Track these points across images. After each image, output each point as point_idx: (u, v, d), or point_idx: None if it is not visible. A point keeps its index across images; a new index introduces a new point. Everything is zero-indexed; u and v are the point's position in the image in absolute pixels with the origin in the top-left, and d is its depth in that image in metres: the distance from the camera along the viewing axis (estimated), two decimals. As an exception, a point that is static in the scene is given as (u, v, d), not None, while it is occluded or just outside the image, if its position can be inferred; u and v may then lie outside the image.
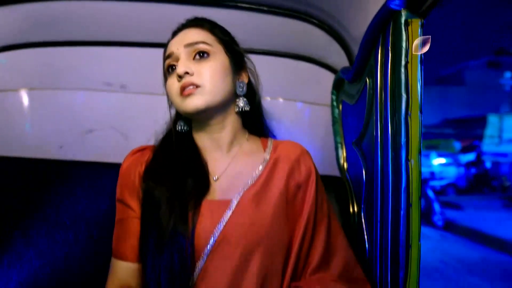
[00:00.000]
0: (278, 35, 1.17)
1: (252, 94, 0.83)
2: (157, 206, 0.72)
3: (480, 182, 7.29)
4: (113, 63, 1.24)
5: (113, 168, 0.83)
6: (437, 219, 5.09)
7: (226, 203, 0.73)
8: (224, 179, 0.76)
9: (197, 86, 0.72)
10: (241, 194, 0.73)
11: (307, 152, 0.81)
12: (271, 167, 0.77)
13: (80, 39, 1.20)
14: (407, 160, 0.65)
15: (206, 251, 0.70)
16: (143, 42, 1.19)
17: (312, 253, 0.75)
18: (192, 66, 0.73)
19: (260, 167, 0.77)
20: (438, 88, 13.21)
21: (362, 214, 0.89)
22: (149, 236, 0.72)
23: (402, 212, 0.66)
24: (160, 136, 0.82)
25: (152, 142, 0.84)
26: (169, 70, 0.77)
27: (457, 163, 7.38)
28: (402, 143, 0.66)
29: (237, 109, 0.78)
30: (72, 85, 1.25)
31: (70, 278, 1.05)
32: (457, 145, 8.16)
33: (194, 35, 0.76)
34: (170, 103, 0.80)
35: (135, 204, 0.76)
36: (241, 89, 0.78)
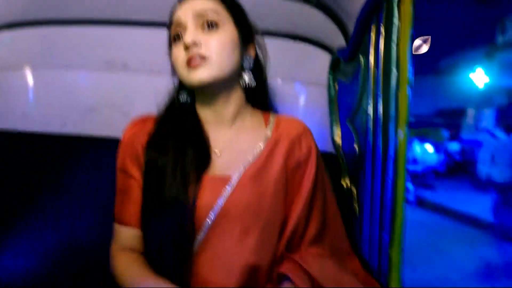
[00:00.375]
0: (275, 16, 1.19)
1: (259, 69, 0.83)
2: (159, 175, 0.73)
3: (457, 167, 8.24)
4: (115, 42, 1.25)
5: (115, 143, 0.85)
6: (410, 196, 5.79)
7: (226, 179, 0.74)
8: (226, 154, 0.77)
9: (204, 58, 0.71)
10: (241, 171, 0.74)
11: (309, 130, 0.82)
12: (273, 144, 0.78)
13: (82, 18, 1.22)
14: (395, 130, 0.70)
15: (206, 224, 0.71)
16: (145, 21, 1.21)
17: (308, 227, 0.77)
18: (200, 37, 0.72)
19: (261, 144, 0.78)
20: (434, 78, 13.32)
21: (354, 187, 0.94)
22: (150, 203, 0.73)
23: (389, 181, 0.71)
24: (163, 106, 0.82)
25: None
26: (175, 38, 0.75)
27: (440, 150, 8.12)
28: (392, 115, 0.70)
29: (243, 84, 0.78)
30: (74, 64, 1.27)
31: (77, 248, 1.10)
32: (446, 134, 8.92)
33: (204, 3, 0.73)
34: (174, 72, 0.79)
35: (137, 173, 0.77)
36: (248, 64, 0.78)
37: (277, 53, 1.29)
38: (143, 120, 0.82)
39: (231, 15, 0.75)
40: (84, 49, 1.25)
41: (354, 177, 0.95)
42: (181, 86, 0.80)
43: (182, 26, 0.73)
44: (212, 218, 0.71)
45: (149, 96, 1.25)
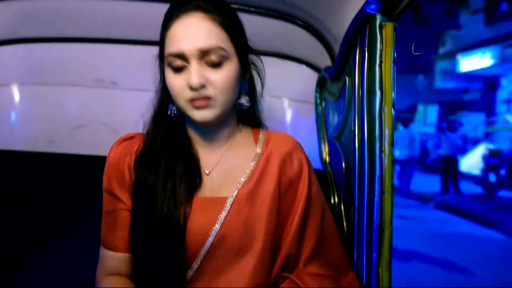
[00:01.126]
0: (264, 35, 1.22)
1: (252, 88, 0.82)
2: (149, 194, 0.72)
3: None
4: (104, 59, 1.26)
5: (102, 162, 0.83)
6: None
7: (219, 201, 0.72)
8: (216, 175, 0.76)
9: (209, 99, 0.69)
10: (235, 193, 0.73)
11: (299, 145, 0.81)
12: (264, 163, 0.76)
13: (71, 36, 1.22)
14: (381, 151, 0.71)
15: (203, 251, 0.70)
16: (134, 40, 1.22)
17: (304, 246, 0.75)
18: (206, 74, 0.69)
19: (252, 163, 0.76)
20: (408, 76, 15.31)
21: (342, 204, 0.95)
22: (141, 225, 0.72)
23: (376, 199, 0.72)
24: (150, 120, 0.79)
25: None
26: (174, 67, 0.70)
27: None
28: (377, 135, 0.72)
29: (238, 106, 0.77)
30: (63, 81, 1.27)
31: (63, 268, 1.08)
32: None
33: (209, 35, 0.68)
34: (161, 85, 0.76)
35: (124, 196, 0.75)
36: (244, 87, 0.77)
37: (267, 71, 1.32)
38: (128, 139, 0.80)
39: (234, 47, 0.72)
40: (73, 66, 1.26)
41: (342, 195, 0.96)
42: (168, 99, 0.76)
43: (184, 59, 0.69)
44: (209, 245, 0.70)
45: (138, 113, 1.26)
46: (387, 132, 0.71)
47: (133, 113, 1.28)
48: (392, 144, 0.72)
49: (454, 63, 12.38)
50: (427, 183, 8.06)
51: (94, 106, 1.29)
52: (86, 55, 1.25)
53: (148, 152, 0.76)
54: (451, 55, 12.59)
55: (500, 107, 10.97)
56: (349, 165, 0.88)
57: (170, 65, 0.70)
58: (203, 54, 0.68)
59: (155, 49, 1.22)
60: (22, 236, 1.10)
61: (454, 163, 7.17)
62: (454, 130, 7.34)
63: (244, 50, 0.76)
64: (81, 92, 1.28)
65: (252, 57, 0.81)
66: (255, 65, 0.82)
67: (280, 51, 1.24)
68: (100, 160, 0.96)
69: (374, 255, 0.71)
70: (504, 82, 11.08)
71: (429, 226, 5.21)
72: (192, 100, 0.69)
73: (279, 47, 1.24)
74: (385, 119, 0.71)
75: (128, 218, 0.75)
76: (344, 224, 0.91)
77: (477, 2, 11.27)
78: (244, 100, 0.77)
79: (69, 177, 1.17)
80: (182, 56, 0.69)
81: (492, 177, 6.97)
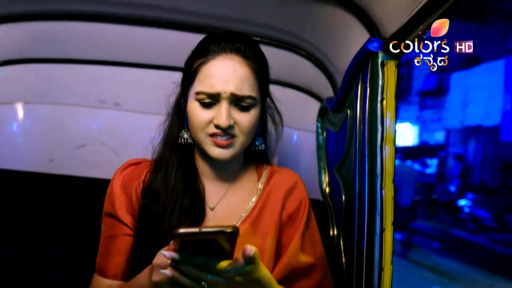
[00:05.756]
0: (269, 64, 1.24)
1: (264, 128, 0.82)
2: (154, 223, 0.72)
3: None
4: (108, 81, 1.28)
5: (103, 184, 0.84)
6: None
7: None
8: (220, 210, 0.77)
9: (232, 137, 0.71)
10: None
11: (301, 182, 0.82)
12: (265, 199, 0.78)
13: (77, 58, 1.25)
14: (381, 188, 0.70)
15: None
16: (138, 63, 1.24)
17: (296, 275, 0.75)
18: (234, 115, 0.71)
19: (254, 199, 0.78)
20: None
21: (341, 237, 0.93)
22: (143, 252, 0.71)
23: (376, 236, 0.71)
24: (162, 147, 0.79)
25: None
26: (203, 103, 0.71)
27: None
28: (378, 172, 0.71)
29: (252, 148, 0.78)
30: (67, 101, 1.28)
31: None
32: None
33: (243, 83, 0.70)
34: (175, 111, 0.78)
35: (128, 221, 0.75)
36: (259, 127, 0.78)
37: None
38: (134, 164, 0.81)
39: (261, 93, 0.74)
40: (77, 87, 1.27)
41: (341, 228, 0.94)
42: (180, 126, 0.78)
43: (215, 98, 0.70)
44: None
45: (140, 135, 1.26)
46: (388, 169, 0.70)
47: (135, 134, 1.30)
48: (393, 181, 0.71)
49: None
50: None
51: (96, 127, 1.30)
52: (91, 76, 1.27)
53: (156, 182, 0.76)
54: None
55: None
56: (349, 198, 0.87)
57: (199, 100, 0.71)
58: (235, 98, 0.70)
59: (158, 73, 1.25)
60: (19, 254, 1.07)
61: None
62: None
63: (267, 95, 0.79)
64: (84, 113, 1.29)
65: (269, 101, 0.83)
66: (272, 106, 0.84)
67: (283, 80, 1.25)
68: (99, 183, 0.95)
69: (374, 294, 0.69)
70: None
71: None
72: (213, 136, 0.71)
73: (282, 75, 1.25)
74: (386, 156, 0.71)
75: (128, 244, 0.75)
76: (343, 259, 0.89)
77: None
78: (258, 142, 0.79)
79: (68, 199, 1.16)
80: (213, 95, 0.70)
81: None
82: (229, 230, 0.50)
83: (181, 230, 0.50)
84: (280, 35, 1.11)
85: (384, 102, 0.71)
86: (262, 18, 1.03)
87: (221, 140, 0.71)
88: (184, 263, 0.56)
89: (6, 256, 1.08)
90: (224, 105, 0.70)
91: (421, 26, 0.64)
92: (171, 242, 0.58)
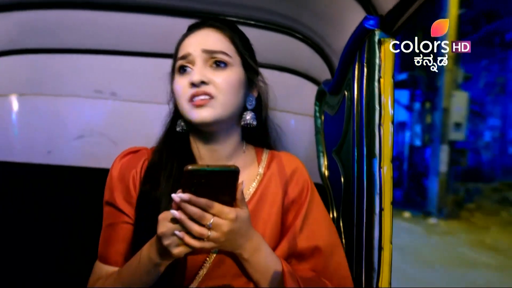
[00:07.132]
0: (265, 48, 1.21)
1: (259, 108, 0.82)
2: (153, 210, 0.71)
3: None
4: (104, 71, 1.26)
5: (102, 174, 0.83)
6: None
7: None
8: None
9: (210, 97, 0.70)
10: None
11: (302, 166, 0.81)
12: (265, 184, 0.77)
13: (72, 47, 1.23)
14: (380, 167, 0.70)
15: (200, 272, 0.70)
16: (134, 51, 1.23)
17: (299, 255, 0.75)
18: (208, 75, 0.71)
19: (254, 184, 0.77)
20: None
21: (341, 219, 0.94)
22: (142, 238, 0.70)
23: (376, 216, 0.71)
24: (160, 137, 0.80)
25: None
26: (180, 69, 0.74)
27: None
28: (376, 151, 0.71)
29: (242, 123, 0.77)
30: (62, 91, 1.27)
31: (58, 282, 1.06)
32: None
33: (215, 41, 0.73)
34: (172, 99, 0.78)
35: (128, 209, 0.75)
36: (250, 104, 0.77)
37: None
38: (132, 152, 0.81)
39: (240, 56, 0.75)
40: (72, 77, 1.26)
41: (341, 210, 0.95)
42: (178, 115, 0.78)
43: (190, 60, 0.72)
44: (208, 266, 0.70)
45: (137, 124, 1.26)
46: (386, 148, 0.70)
47: (132, 123, 1.30)
48: (391, 161, 0.71)
49: None
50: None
51: (93, 117, 1.29)
52: (86, 66, 1.25)
53: (154, 169, 0.76)
54: None
55: None
56: (348, 180, 0.87)
57: (177, 69, 0.74)
58: (208, 54, 0.72)
59: (155, 61, 1.24)
60: (19, 246, 1.08)
61: None
62: None
63: (251, 66, 0.78)
64: (81, 103, 1.28)
65: (261, 79, 0.83)
66: (264, 84, 0.84)
67: (280, 64, 1.24)
68: (98, 173, 0.95)
69: (374, 275, 0.70)
70: None
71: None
72: (192, 99, 0.70)
73: (279, 60, 1.24)
74: (384, 135, 0.71)
75: (129, 232, 0.75)
76: (343, 241, 0.89)
77: None
78: (248, 116, 0.77)
79: (67, 189, 1.16)
80: (187, 57, 0.72)
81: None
82: (232, 168, 0.59)
83: (190, 167, 0.57)
84: (275, 18, 1.09)
85: (382, 80, 0.71)
86: (258, 1, 1.01)
87: (198, 99, 0.70)
88: (191, 203, 0.59)
89: (5, 248, 1.08)
90: (197, 64, 0.72)
91: (417, 1, 0.63)
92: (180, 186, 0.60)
